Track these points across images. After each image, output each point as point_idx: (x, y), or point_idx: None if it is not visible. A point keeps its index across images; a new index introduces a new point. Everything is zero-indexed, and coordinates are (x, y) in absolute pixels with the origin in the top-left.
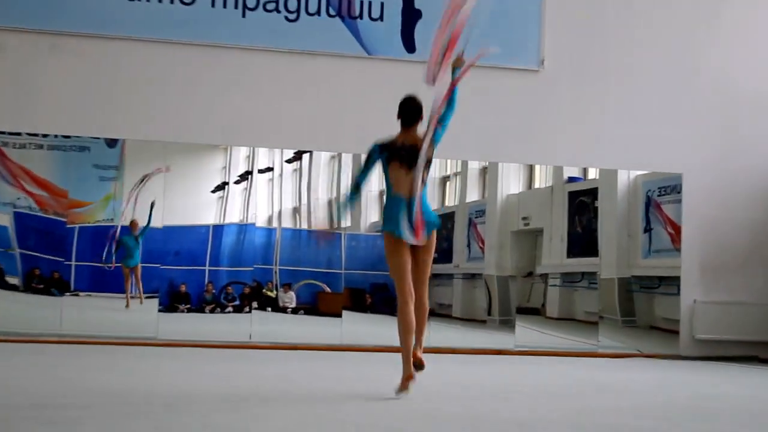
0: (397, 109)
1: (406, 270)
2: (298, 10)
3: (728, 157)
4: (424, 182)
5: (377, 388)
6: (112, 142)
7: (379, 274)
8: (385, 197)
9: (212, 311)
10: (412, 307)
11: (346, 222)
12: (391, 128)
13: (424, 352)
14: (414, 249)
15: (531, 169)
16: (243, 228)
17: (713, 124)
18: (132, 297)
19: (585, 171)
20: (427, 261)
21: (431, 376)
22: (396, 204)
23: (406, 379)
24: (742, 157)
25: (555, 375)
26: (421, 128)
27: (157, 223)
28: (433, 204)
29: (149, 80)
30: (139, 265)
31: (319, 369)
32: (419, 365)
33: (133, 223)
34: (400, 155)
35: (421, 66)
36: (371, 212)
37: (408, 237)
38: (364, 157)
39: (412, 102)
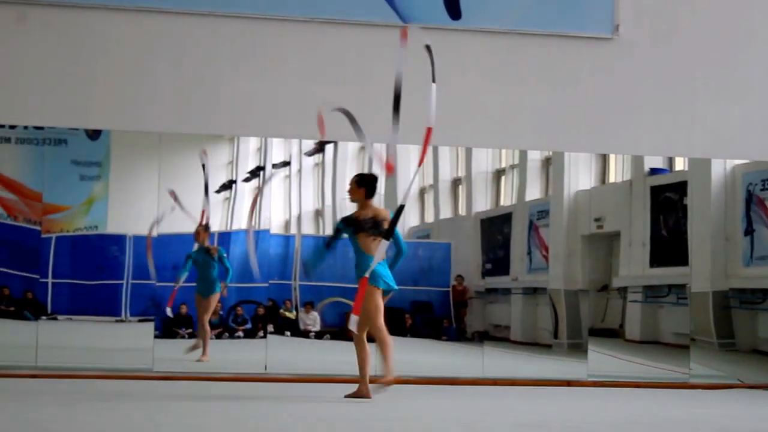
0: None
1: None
2: None
3: None
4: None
5: (419, 430)
6: (94, 134)
7: (421, 290)
8: (356, 259)
9: (219, 336)
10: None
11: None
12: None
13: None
14: None
15: (605, 159)
16: (255, 236)
17: None
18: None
19: (671, 161)
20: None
21: (484, 413)
22: (368, 262)
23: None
24: None
25: (638, 411)
26: None
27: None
28: (486, 203)
29: (138, 59)
30: (216, 296)
31: (350, 406)
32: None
33: (200, 235)
34: (366, 229)
35: (469, 35)
36: (411, 215)
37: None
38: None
39: (372, 181)
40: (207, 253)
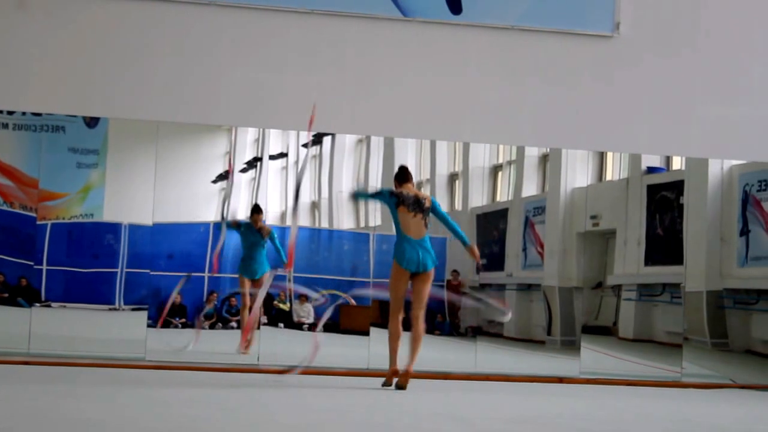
0: None
1: (402, 294)
2: None
3: None
4: (426, 226)
5: (410, 424)
6: (92, 122)
7: None
8: (396, 235)
9: (212, 327)
10: (400, 320)
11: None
12: (430, 107)
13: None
14: (413, 280)
15: (602, 157)
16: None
17: None
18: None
19: (668, 160)
20: (423, 290)
21: (476, 408)
22: (406, 242)
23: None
24: None
25: (629, 409)
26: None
27: (146, 220)
28: (482, 199)
29: (137, 47)
30: (265, 276)
31: (341, 398)
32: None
33: (255, 218)
34: (407, 203)
35: (469, 30)
36: None
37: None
38: (375, 188)
39: (403, 168)
40: (258, 233)
